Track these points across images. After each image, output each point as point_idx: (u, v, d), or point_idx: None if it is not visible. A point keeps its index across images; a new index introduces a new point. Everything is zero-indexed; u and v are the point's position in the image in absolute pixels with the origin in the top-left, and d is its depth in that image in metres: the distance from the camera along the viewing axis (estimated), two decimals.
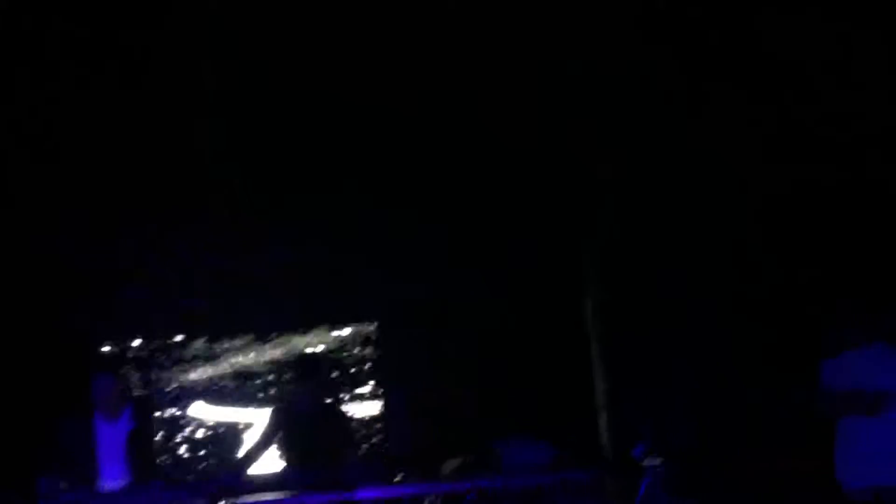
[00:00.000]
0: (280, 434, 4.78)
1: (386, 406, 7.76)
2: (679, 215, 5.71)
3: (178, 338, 7.59)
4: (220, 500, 3.69)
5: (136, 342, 7.48)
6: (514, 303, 6.78)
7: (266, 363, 7.67)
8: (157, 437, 4.91)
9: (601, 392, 5.17)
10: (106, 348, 7.30)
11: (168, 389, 7.48)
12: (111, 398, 4.53)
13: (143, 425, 4.67)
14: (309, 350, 7.60)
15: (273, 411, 4.94)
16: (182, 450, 7.48)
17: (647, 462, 4.02)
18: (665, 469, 4.02)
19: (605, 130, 5.67)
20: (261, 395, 7.60)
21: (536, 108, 5.92)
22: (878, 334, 3.95)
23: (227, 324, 7.47)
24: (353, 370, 7.88)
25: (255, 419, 7.43)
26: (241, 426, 7.59)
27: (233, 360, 7.64)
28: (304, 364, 5.22)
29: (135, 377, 4.76)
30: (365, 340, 7.85)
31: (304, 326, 7.69)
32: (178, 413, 7.43)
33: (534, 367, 6.68)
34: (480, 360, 6.87)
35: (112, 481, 4.35)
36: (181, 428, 7.53)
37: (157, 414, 4.87)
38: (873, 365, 3.90)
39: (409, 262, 7.01)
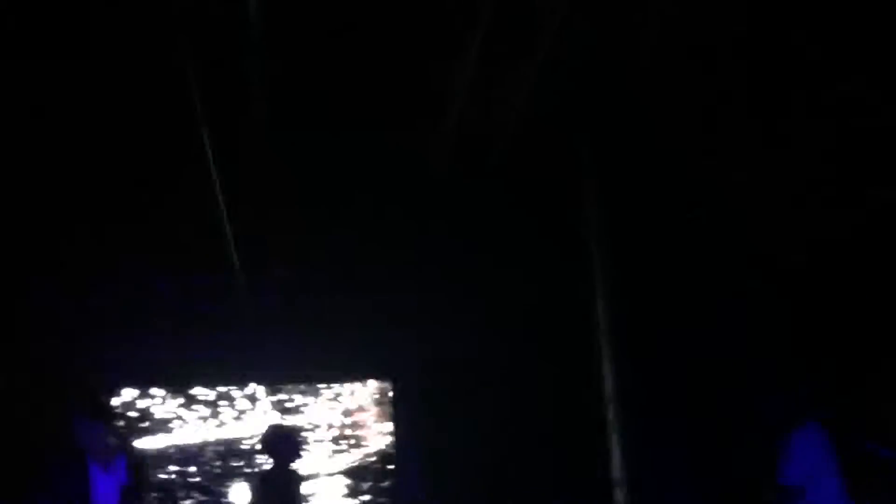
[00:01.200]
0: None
1: (398, 466, 7.56)
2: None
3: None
4: None
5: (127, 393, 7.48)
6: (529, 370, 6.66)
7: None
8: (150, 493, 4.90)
9: (617, 466, 4.95)
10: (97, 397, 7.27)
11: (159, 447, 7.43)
12: (101, 445, 4.53)
13: (137, 479, 4.65)
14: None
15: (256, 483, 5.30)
16: None
17: None
18: None
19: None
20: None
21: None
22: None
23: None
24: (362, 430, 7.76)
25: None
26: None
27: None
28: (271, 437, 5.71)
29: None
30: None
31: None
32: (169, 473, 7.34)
33: (551, 438, 6.51)
34: (495, 423, 6.70)
35: None
36: (171, 487, 7.41)
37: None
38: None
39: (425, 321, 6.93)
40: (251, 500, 5.31)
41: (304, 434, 6.43)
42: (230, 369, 7.49)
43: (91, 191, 6.23)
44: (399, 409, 7.66)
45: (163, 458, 7.37)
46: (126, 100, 5.49)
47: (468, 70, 4.93)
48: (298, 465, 5.87)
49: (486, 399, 6.89)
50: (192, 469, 7.42)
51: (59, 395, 6.71)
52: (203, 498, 7.26)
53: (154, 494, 5.24)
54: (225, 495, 7.39)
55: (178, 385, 7.56)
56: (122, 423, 4.73)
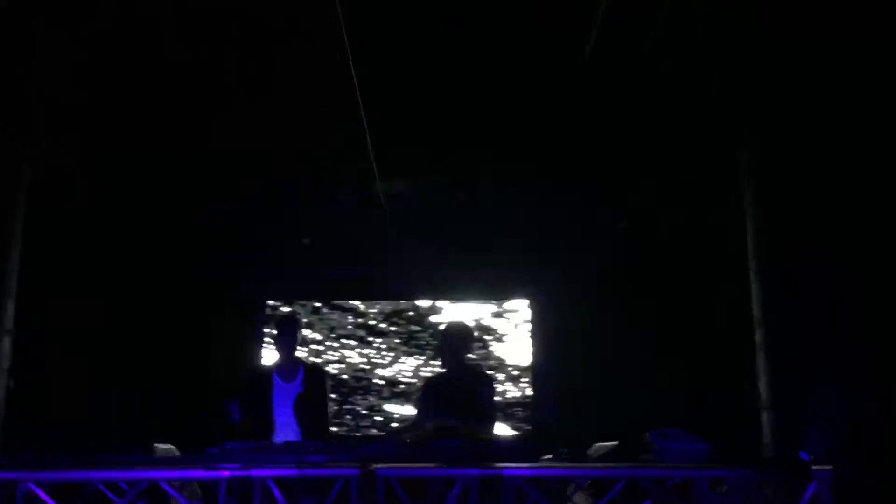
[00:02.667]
0: (433, 406, 4.87)
1: (535, 389, 7.75)
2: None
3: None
4: (372, 464, 3.76)
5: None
6: (679, 294, 6.60)
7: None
8: (326, 401, 5.20)
9: (765, 391, 4.89)
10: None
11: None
12: (292, 349, 4.83)
13: (313, 387, 4.88)
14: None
15: (426, 384, 5.02)
16: (345, 416, 7.84)
17: (814, 466, 3.77)
18: (833, 474, 3.76)
19: None
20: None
21: None
22: None
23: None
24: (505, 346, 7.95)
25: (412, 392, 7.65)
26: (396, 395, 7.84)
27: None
28: (454, 333, 5.16)
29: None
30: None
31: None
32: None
33: (696, 362, 6.48)
34: (636, 347, 6.73)
35: (283, 437, 4.63)
36: (344, 394, 7.88)
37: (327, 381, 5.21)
38: None
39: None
40: (418, 406, 5.06)
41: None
42: (371, 286, 7.86)
43: (234, 121, 6.43)
44: (537, 329, 7.81)
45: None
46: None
47: None
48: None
49: (626, 320, 6.92)
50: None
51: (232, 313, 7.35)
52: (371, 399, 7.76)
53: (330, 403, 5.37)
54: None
55: (321, 299, 7.99)
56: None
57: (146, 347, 6.99)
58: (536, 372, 7.77)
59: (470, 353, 5.17)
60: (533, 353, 7.84)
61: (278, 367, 4.88)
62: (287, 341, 4.84)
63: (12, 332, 5.00)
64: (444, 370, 5.03)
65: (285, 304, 8.00)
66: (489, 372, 6.78)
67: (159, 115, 5.95)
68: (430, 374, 6.94)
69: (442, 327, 5.96)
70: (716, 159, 5.63)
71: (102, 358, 6.66)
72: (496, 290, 7.88)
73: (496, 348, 7.94)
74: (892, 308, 5.43)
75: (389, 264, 7.49)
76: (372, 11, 5.06)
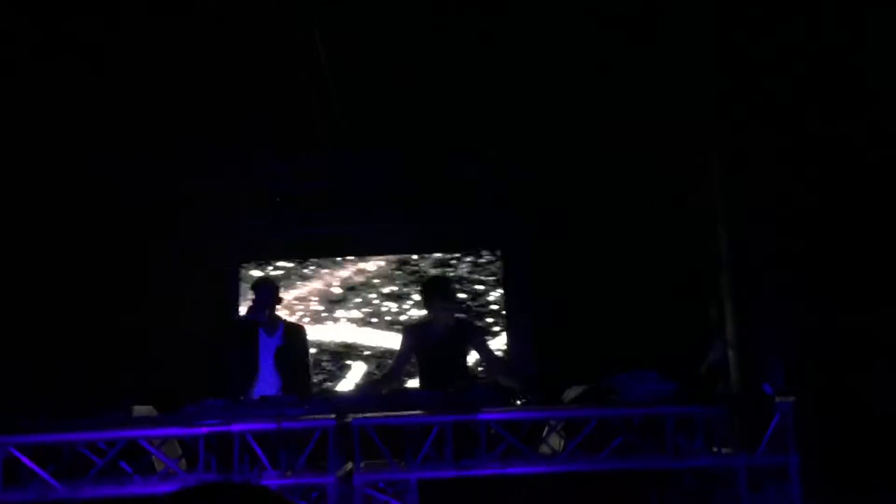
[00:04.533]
0: (412, 356, 5.00)
1: (510, 335, 7.86)
2: None
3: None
4: (348, 414, 3.83)
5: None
6: (643, 232, 6.74)
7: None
8: (307, 357, 5.32)
9: (730, 330, 5.02)
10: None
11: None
12: (272, 309, 5.00)
13: (293, 342, 5.08)
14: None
15: (408, 331, 5.08)
16: (325, 367, 7.92)
17: (777, 400, 3.91)
18: (796, 407, 3.90)
19: None
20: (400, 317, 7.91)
21: None
22: None
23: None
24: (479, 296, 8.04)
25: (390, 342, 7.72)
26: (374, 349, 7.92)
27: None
28: (436, 284, 5.27)
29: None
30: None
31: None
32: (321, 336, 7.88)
33: (657, 302, 6.63)
34: (606, 292, 6.85)
35: (263, 390, 4.77)
36: (322, 350, 7.95)
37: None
38: None
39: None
40: (401, 347, 5.05)
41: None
42: (347, 243, 7.91)
43: (209, 87, 6.37)
44: (509, 281, 7.91)
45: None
46: None
47: None
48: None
49: (595, 266, 7.03)
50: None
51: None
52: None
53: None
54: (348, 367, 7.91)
55: (297, 259, 8.02)
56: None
57: (117, 312, 6.99)
58: (511, 322, 7.89)
59: (454, 304, 5.23)
60: (506, 304, 7.94)
61: (261, 323, 5.05)
62: (266, 301, 5.02)
63: None
64: (428, 318, 5.08)
65: (259, 266, 8.01)
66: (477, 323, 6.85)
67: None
68: (412, 321, 6.98)
69: (425, 279, 6.08)
70: None
71: (74, 324, 6.67)
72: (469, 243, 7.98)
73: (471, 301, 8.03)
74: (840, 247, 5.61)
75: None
76: None
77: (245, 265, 7.94)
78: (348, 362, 7.92)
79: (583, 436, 3.88)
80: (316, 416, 3.78)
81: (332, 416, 3.77)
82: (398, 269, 8.02)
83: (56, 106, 6.04)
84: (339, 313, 8.00)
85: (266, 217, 7.66)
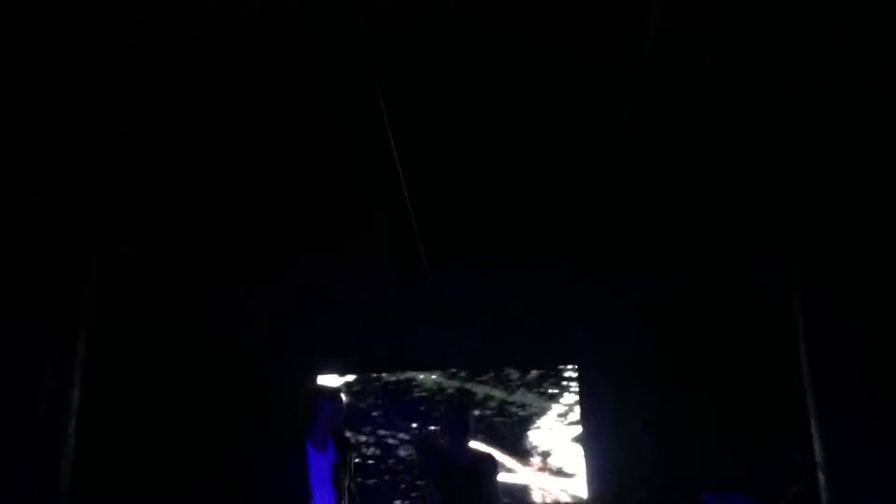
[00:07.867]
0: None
1: (587, 457, 7.68)
2: None
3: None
4: None
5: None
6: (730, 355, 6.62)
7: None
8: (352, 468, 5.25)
9: (820, 452, 4.85)
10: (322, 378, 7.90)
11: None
12: (329, 424, 4.87)
13: (344, 457, 4.94)
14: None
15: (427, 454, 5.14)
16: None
17: None
18: None
19: None
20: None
21: None
22: None
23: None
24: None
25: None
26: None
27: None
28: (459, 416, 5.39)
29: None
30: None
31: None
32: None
33: (749, 422, 6.44)
34: (693, 410, 6.70)
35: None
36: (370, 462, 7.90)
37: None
38: None
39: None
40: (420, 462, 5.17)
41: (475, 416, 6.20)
42: (420, 357, 7.97)
43: (288, 200, 6.63)
44: (585, 400, 7.79)
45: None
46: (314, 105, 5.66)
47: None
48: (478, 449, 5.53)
49: (675, 388, 6.90)
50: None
51: (278, 383, 7.48)
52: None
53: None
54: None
55: (370, 371, 8.11)
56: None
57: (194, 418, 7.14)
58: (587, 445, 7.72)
59: (472, 436, 5.34)
60: (582, 425, 7.79)
61: (310, 437, 4.89)
62: (328, 417, 4.89)
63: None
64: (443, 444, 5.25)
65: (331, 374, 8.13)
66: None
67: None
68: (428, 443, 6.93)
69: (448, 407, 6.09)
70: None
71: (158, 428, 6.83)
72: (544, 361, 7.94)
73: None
74: None
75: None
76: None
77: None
78: None
79: None
80: None
81: None
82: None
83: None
84: None
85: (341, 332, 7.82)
